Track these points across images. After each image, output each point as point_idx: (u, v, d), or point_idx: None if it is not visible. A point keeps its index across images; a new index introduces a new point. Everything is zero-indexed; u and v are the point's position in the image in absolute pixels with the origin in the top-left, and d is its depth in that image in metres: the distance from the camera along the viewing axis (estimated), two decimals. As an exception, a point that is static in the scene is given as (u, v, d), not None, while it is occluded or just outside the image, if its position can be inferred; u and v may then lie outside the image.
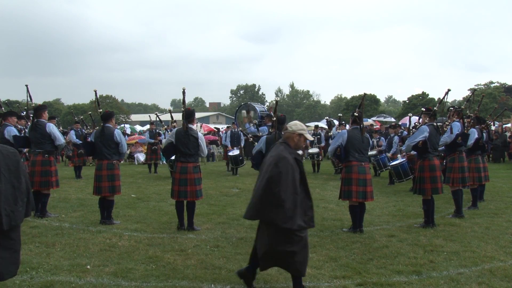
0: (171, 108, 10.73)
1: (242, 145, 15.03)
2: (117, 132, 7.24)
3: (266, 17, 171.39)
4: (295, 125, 4.25)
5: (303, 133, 4.21)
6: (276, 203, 3.85)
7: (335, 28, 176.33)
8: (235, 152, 14.33)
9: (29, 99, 8.97)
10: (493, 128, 16.87)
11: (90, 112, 9.53)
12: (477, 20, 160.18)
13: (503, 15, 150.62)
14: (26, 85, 8.82)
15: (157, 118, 15.44)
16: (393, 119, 34.06)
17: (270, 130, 7.44)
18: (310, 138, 4.47)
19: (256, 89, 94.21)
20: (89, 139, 7.53)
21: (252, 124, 17.66)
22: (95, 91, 7.71)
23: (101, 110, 7.44)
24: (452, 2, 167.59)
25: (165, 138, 14.24)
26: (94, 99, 7.80)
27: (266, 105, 63.66)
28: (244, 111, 18.24)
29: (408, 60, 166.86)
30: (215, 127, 33.43)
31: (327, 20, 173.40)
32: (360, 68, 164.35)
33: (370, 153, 10.93)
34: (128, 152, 21.15)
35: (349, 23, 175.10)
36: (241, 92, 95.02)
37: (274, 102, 7.05)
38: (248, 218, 4.13)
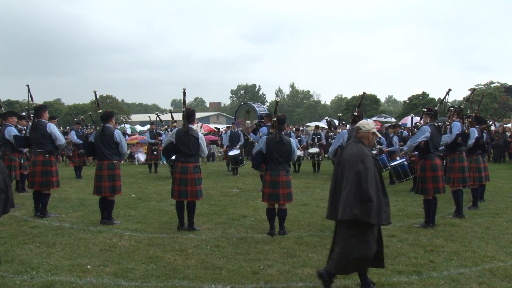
0: (172, 108, 10.72)
1: (242, 142, 15.00)
2: (117, 133, 7.24)
3: (265, 17, 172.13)
4: (368, 124, 4.37)
5: (375, 131, 4.37)
6: (365, 199, 3.93)
7: (334, 29, 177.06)
8: (235, 151, 14.32)
9: (30, 99, 8.99)
10: (493, 128, 16.86)
11: (90, 113, 9.53)
12: (477, 20, 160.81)
13: (503, 15, 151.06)
14: (27, 85, 8.83)
15: (157, 118, 15.43)
16: (393, 119, 34.02)
17: (270, 130, 7.45)
18: (379, 135, 4.69)
19: (256, 89, 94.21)
20: (89, 139, 7.53)
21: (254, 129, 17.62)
22: (95, 92, 7.72)
23: (100, 110, 7.45)
24: (451, 2, 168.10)
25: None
26: (94, 99, 7.80)
27: (266, 105, 63.69)
28: (248, 121, 18.26)
29: (408, 60, 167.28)
30: (215, 127, 33.44)
31: (326, 20, 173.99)
32: (360, 68, 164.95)
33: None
34: (128, 152, 21.16)
35: (348, 24, 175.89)
36: (242, 92, 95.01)
37: (275, 102, 7.05)
38: (336, 218, 4.13)
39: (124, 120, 58.55)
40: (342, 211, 3.99)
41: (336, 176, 4.22)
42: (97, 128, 7.56)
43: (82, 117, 15.03)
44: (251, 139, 10.44)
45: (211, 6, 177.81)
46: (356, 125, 4.39)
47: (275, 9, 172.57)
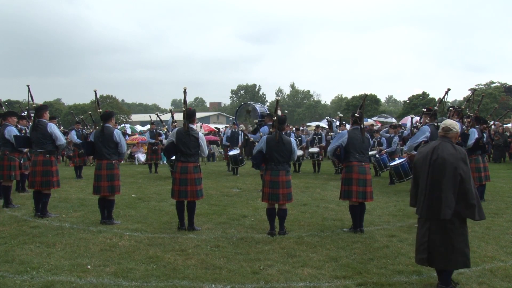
0: (172, 108, 10.71)
1: (241, 143, 14.99)
2: (117, 132, 7.24)
3: (263, 18, 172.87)
4: (456, 125, 4.49)
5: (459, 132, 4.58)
6: (471, 198, 4.16)
7: (332, 29, 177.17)
8: (235, 151, 14.32)
9: (30, 99, 8.99)
10: (493, 127, 16.85)
11: (90, 112, 9.53)
12: (474, 20, 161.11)
13: (501, 15, 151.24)
14: (28, 86, 8.84)
15: (157, 118, 15.43)
16: (394, 120, 34.01)
17: (270, 130, 7.45)
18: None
19: (256, 89, 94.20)
20: (89, 139, 7.54)
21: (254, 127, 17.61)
22: (95, 91, 7.72)
23: (100, 110, 7.45)
24: (449, 3, 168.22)
25: (165, 138, 14.24)
26: (94, 99, 7.80)
27: (266, 105, 63.61)
28: (250, 127, 18.28)
29: (407, 61, 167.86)
30: (215, 127, 33.44)
31: (325, 21, 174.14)
32: (359, 68, 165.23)
33: (370, 153, 10.93)
34: (128, 152, 21.16)
35: (346, 24, 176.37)
36: (242, 92, 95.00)
37: (275, 102, 7.05)
38: (438, 217, 4.18)
39: (124, 120, 58.52)
40: (446, 210, 4.14)
41: (432, 175, 4.27)
42: (97, 127, 7.57)
43: (82, 117, 15.02)
44: (252, 139, 10.44)
45: (210, 7, 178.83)
46: (444, 126, 4.45)
47: (273, 9, 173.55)
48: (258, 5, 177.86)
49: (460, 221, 4.24)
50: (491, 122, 11.48)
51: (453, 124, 4.46)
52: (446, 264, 4.22)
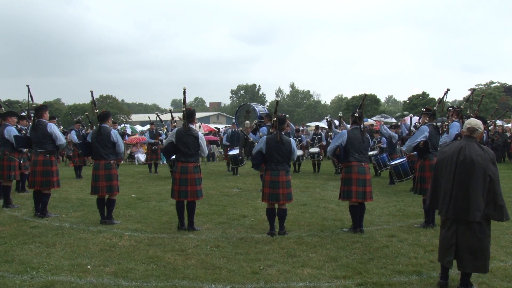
0: (172, 108, 10.72)
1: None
2: (114, 132, 7.25)
3: (259, 19, 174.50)
4: (481, 125, 4.46)
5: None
6: (500, 200, 4.15)
7: (329, 30, 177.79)
8: (235, 151, 14.32)
9: (30, 99, 8.99)
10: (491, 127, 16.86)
11: (87, 113, 9.53)
12: (470, 22, 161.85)
13: (496, 16, 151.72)
14: (27, 86, 8.83)
15: (157, 118, 15.43)
16: (393, 120, 34.02)
17: (270, 130, 7.44)
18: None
19: (256, 89, 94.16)
20: (86, 139, 7.55)
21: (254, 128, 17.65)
22: (91, 92, 7.71)
23: (97, 111, 7.46)
24: (446, 4, 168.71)
25: (165, 138, 14.23)
26: (93, 100, 7.80)
27: (266, 105, 63.60)
28: (247, 122, 18.26)
29: (404, 61, 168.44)
30: (215, 127, 33.43)
31: (321, 22, 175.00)
32: (357, 69, 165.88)
33: (370, 153, 10.94)
34: (128, 152, 21.16)
35: (343, 25, 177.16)
36: (242, 92, 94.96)
37: (275, 102, 7.05)
38: (466, 218, 4.15)
39: (124, 120, 58.51)
40: (475, 212, 4.11)
41: (459, 176, 4.22)
42: (94, 128, 7.58)
43: (79, 118, 14.99)
44: (251, 139, 10.44)
45: (206, 8, 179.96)
46: (469, 126, 4.39)
47: (268, 11, 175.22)
48: (253, 6, 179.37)
49: (487, 223, 4.21)
50: (490, 123, 11.44)
51: (478, 124, 4.42)
52: (475, 268, 4.18)
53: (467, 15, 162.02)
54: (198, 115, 58.26)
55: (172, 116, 11.58)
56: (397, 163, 10.71)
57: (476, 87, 60.85)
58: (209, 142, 21.71)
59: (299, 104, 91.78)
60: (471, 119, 4.55)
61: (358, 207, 6.58)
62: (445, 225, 4.34)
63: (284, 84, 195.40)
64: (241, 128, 15.18)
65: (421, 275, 4.69)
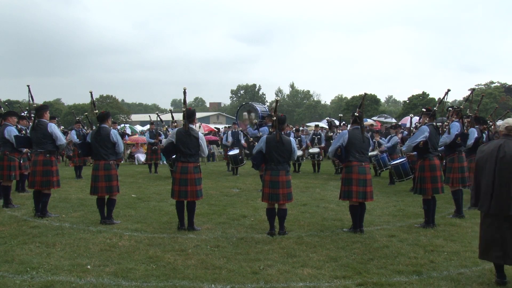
0: (172, 108, 10.72)
1: (243, 141, 14.98)
2: (113, 132, 7.24)
3: (257, 19, 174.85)
4: None
5: None
6: None
7: (328, 30, 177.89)
8: (235, 151, 14.32)
9: (30, 100, 8.99)
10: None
11: (86, 113, 9.52)
12: (471, 22, 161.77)
13: (494, 17, 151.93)
14: (28, 86, 8.83)
15: (157, 118, 15.44)
16: (393, 120, 34.03)
17: (270, 130, 7.45)
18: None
19: (256, 89, 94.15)
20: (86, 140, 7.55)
21: (253, 126, 17.66)
22: (91, 92, 7.72)
23: (97, 111, 7.46)
24: (446, 4, 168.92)
25: (165, 138, 14.24)
26: (91, 101, 7.80)
27: (266, 105, 63.57)
28: (245, 113, 18.23)
29: (403, 61, 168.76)
30: (215, 127, 33.44)
31: (319, 22, 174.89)
32: (357, 69, 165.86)
33: (370, 153, 10.93)
34: (128, 152, 21.16)
35: (342, 26, 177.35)
36: (242, 92, 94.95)
37: (275, 102, 7.05)
38: (508, 213, 4.25)
39: (124, 120, 58.49)
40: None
41: (500, 172, 4.33)
42: (93, 128, 7.57)
43: (78, 118, 14.97)
44: (251, 139, 10.44)
45: (205, 8, 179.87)
46: (508, 125, 4.53)
47: (267, 11, 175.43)
48: (252, 6, 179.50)
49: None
50: (490, 123, 11.45)
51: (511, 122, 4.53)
52: None
53: (467, 15, 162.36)
54: (198, 115, 58.18)
55: (172, 117, 11.58)
56: (397, 163, 10.71)
57: (476, 87, 60.83)
58: (209, 142, 21.72)
59: (299, 104, 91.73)
60: (509, 119, 4.67)
61: (358, 207, 6.58)
62: (486, 222, 4.45)
63: (283, 84, 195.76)
64: (241, 128, 15.17)
65: (421, 275, 4.69)
